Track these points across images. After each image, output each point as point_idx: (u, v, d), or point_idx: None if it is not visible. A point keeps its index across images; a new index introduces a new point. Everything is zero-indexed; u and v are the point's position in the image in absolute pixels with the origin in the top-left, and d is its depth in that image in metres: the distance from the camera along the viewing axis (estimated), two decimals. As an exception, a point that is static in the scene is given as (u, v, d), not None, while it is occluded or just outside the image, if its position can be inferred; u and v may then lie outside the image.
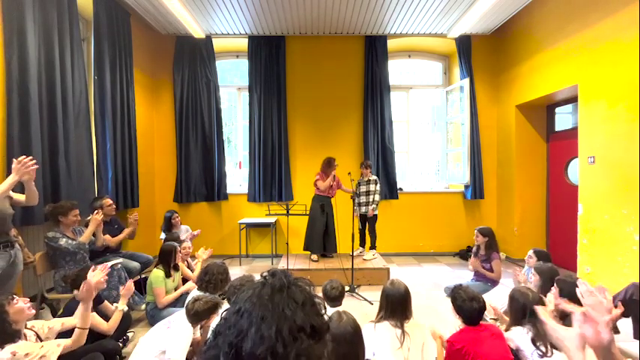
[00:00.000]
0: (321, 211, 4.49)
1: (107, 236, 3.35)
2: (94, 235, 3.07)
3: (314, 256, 4.59)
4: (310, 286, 0.68)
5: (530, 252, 3.09)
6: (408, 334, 1.86)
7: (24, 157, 2.22)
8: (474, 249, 3.71)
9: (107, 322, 2.26)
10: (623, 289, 2.54)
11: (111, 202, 3.56)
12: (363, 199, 4.67)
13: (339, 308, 2.45)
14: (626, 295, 2.47)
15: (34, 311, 1.81)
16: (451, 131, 5.99)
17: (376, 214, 4.62)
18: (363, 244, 4.87)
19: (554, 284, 2.24)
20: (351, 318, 1.58)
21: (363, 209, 4.68)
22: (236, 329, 0.59)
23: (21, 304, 1.72)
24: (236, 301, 0.64)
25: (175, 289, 3.16)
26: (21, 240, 2.51)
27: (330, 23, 5.11)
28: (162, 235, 4.18)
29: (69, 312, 2.16)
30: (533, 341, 1.81)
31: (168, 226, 4.22)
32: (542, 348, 1.77)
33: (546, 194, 5.08)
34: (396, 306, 1.94)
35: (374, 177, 4.68)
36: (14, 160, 2.21)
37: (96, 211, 3.06)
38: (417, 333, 1.91)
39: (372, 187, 4.62)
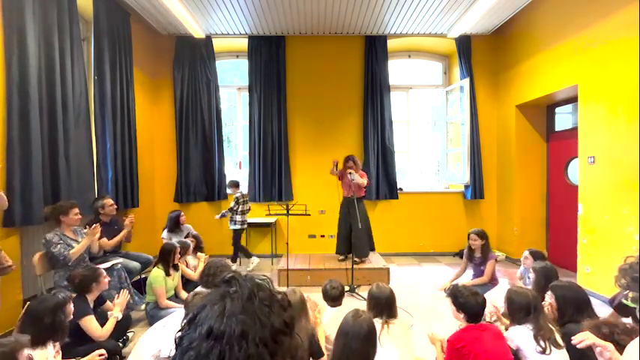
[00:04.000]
0: (346, 212, 4.42)
1: (104, 240, 3.31)
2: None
3: (340, 257, 4.53)
4: (267, 280, 0.65)
5: (526, 252, 3.09)
6: (393, 333, 1.88)
7: None
8: (466, 251, 3.72)
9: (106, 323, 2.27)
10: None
11: (112, 202, 3.55)
12: None
13: (340, 308, 2.46)
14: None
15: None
16: (451, 131, 5.99)
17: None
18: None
19: (550, 290, 2.20)
20: (367, 317, 1.64)
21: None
22: (215, 355, 0.52)
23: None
24: (199, 322, 0.57)
25: (175, 289, 3.18)
26: None
27: (330, 23, 5.11)
28: (165, 234, 4.18)
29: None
30: (535, 337, 1.81)
31: (176, 224, 4.23)
32: (542, 343, 1.78)
33: (546, 194, 5.07)
34: (382, 307, 1.98)
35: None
36: None
37: (94, 226, 2.95)
38: (402, 332, 1.93)
39: None
